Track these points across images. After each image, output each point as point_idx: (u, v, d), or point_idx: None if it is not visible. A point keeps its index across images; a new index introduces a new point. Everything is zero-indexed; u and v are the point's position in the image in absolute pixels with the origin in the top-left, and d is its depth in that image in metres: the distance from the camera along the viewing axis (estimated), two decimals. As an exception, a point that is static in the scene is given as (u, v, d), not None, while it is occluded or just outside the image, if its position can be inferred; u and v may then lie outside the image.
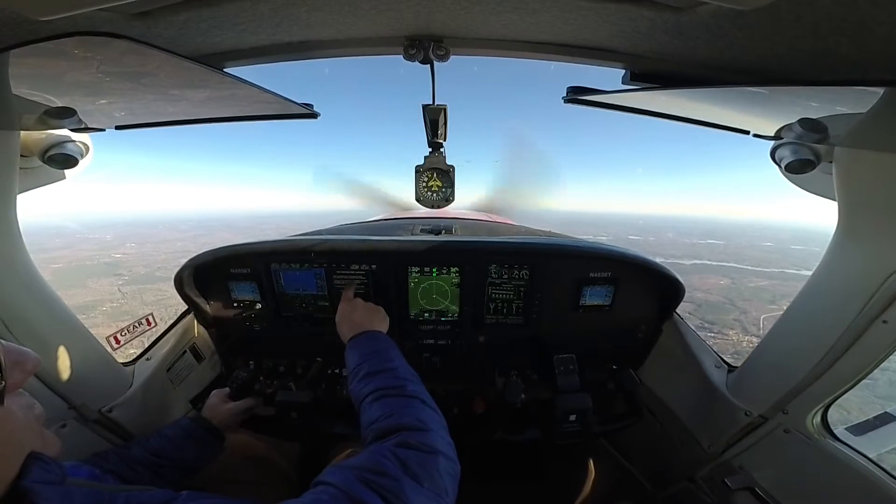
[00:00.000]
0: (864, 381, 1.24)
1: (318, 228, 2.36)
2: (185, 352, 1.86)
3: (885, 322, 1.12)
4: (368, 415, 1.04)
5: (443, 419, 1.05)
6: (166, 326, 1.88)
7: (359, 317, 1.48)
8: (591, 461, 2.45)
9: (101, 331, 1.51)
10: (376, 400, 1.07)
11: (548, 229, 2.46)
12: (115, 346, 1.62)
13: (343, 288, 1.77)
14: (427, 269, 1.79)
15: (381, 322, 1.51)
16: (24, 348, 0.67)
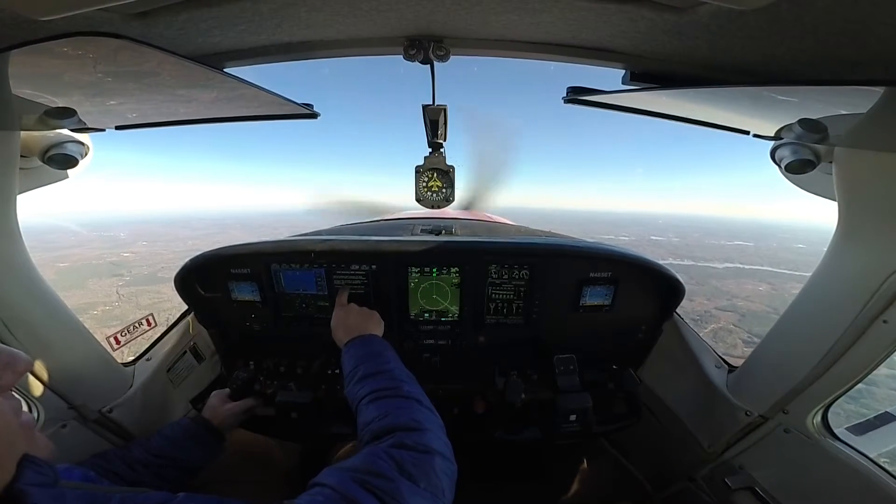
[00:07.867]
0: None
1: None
2: (185, 352, 1.86)
3: (885, 322, 1.12)
4: (364, 416, 1.04)
5: (439, 419, 1.05)
6: (166, 327, 1.88)
7: (353, 321, 1.49)
8: (592, 461, 2.45)
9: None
10: (372, 401, 1.07)
11: (548, 229, 2.46)
12: (116, 346, 1.62)
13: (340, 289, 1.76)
14: (427, 269, 1.79)
15: (375, 326, 1.52)
16: (16, 350, 0.67)
